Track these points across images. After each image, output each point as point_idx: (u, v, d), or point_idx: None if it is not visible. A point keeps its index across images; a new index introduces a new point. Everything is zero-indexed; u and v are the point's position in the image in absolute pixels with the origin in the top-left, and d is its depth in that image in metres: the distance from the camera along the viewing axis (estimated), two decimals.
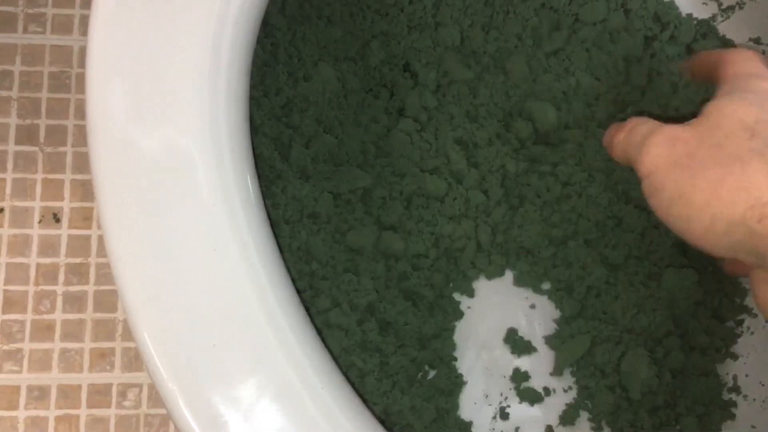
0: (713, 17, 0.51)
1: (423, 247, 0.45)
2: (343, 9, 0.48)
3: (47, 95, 0.76)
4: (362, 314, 0.42)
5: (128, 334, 0.74)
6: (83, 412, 0.73)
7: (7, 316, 0.73)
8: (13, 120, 0.76)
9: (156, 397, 0.74)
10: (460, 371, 0.44)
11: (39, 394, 0.73)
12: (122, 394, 0.74)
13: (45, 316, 0.74)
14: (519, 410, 0.44)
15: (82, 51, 0.78)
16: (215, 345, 0.32)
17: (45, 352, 0.73)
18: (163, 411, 0.74)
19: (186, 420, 0.31)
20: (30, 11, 0.78)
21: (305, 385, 0.32)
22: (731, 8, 0.50)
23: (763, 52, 0.49)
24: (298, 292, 0.36)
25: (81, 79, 0.77)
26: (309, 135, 0.45)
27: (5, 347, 0.73)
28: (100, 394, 0.73)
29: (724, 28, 0.50)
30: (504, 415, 0.44)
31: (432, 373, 0.44)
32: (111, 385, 0.74)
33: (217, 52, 0.34)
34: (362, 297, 0.42)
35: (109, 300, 0.74)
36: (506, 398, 0.45)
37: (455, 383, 0.43)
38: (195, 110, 0.34)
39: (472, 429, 0.43)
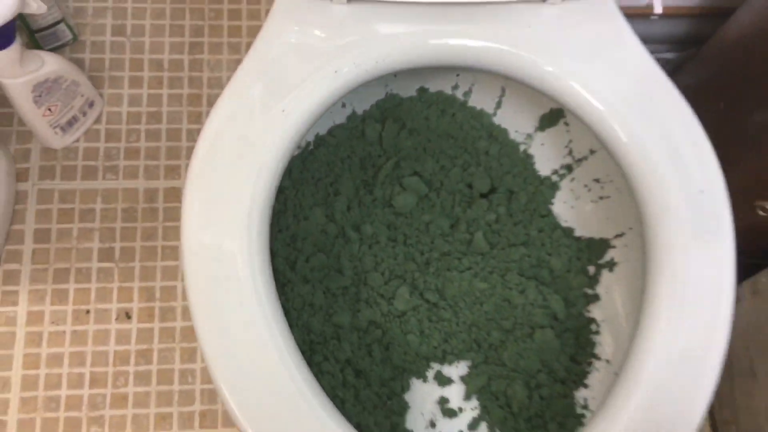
0: (570, 165, 0.79)
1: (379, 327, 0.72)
2: (329, 171, 0.77)
3: (120, 225, 1.02)
4: (342, 365, 0.69)
5: (183, 400, 0.99)
6: None
7: (92, 391, 0.97)
8: (95, 244, 1.03)
9: None
10: (405, 399, 0.71)
11: None
12: None
13: (121, 390, 0.98)
14: (442, 423, 0.71)
15: (146, 192, 1.06)
16: (276, 399, 0.56)
17: (121, 417, 0.98)
18: None
19: None
20: (107, 164, 1.06)
21: (313, 411, 0.56)
22: (582, 159, 0.78)
23: (603, 191, 0.77)
24: (303, 352, 0.63)
25: (145, 213, 1.05)
26: (308, 254, 0.73)
27: (91, 414, 0.98)
28: None
29: (577, 172, 0.78)
30: (432, 425, 0.71)
31: (389, 402, 0.70)
32: None
33: (252, 206, 0.61)
34: (342, 354, 0.69)
35: (168, 376, 0.99)
36: (434, 415, 0.71)
37: (403, 406, 0.70)
38: (241, 252, 0.60)
39: None
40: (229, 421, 0.98)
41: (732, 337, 1.02)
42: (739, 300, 1.03)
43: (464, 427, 0.71)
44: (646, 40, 1.16)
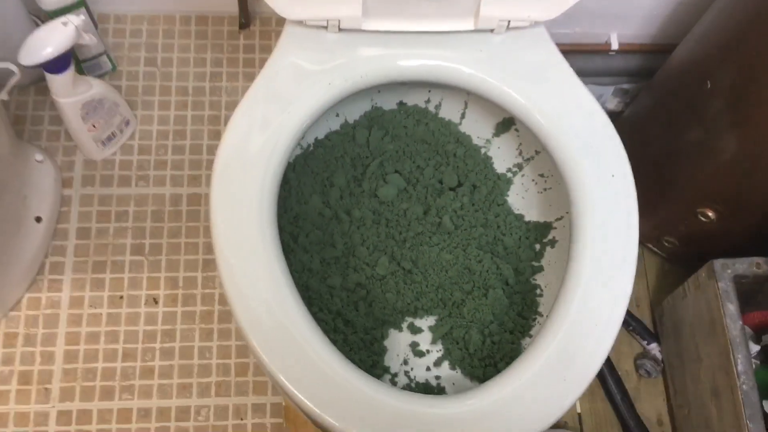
0: (520, 164, 0.98)
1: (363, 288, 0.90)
2: (326, 166, 0.96)
3: (150, 224, 1.19)
4: (334, 315, 0.87)
5: (201, 373, 1.14)
6: (173, 425, 1.10)
7: (124, 364, 1.12)
8: (128, 240, 1.18)
9: (219, 414, 1.14)
10: (384, 344, 0.88)
11: (144, 414, 1.10)
12: (197, 413, 1.12)
13: (148, 363, 1.12)
14: (413, 361, 0.88)
15: (172, 197, 1.22)
16: (284, 333, 0.74)
17: (148, 386, 1.11)
18: (224, 423, 1.14)
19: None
20: (139, 173, 1.23)
21: (314, 348, 0.73)
22: (529, 158, 0.97)
23: (546, 184, 0.96)
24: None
25: (171, 214, 1.20)
26: (307, 230, 0.92)
27: (123, 383, 1.12)
28: (183, 413, 1.11)
29: (526, 170, 0.97)
30: (405, 362, 0.88)
31: (371, 346, 0.88)
32: (190, 406, 1.11)
33: (262, 196, 0.80)
34: (334, 307, 0.87)
35: (189, 352, 1.13)
36: (407, 355, 0.89)
37: (383, 349, 0.88)
38: (254, 228, 0.78)
39: (390, 370, 0.87)
40: (240, 389, 1.14)
41: (681, 329, 1.19)
42: (684, 295, 1.21)
43: (431, 365, 0.89)
44: (607, 72, 1.35)
